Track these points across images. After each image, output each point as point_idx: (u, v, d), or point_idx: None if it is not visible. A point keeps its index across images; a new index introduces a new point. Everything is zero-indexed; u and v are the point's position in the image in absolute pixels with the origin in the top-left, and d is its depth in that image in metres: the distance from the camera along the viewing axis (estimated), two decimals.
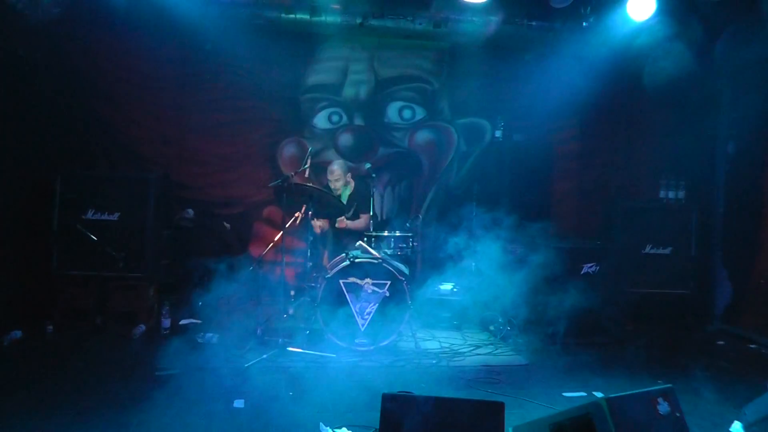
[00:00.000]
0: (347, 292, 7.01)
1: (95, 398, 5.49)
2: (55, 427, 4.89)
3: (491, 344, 7.56)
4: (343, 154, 9.44)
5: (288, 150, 9.52)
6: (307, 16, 8.35)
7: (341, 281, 7.00)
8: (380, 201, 9.48)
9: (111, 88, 8.86)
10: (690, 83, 8.63)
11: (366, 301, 7.02)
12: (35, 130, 7.85)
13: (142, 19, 7.93)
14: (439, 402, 4.04)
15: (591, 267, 7.80)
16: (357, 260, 7.06)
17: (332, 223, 8.14)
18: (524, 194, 9.16)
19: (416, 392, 4.15)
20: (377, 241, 7.50)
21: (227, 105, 9.25)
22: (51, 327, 7.54)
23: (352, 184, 8.18)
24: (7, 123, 7.25)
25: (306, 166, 7.61)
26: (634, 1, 7.64)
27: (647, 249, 8.75)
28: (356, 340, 6.97)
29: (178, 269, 8.55)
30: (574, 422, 3.90)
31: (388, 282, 7.03)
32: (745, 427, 4.76)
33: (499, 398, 4.63)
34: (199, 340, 7.29)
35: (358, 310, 7.01)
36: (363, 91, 9.67)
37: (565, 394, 5.87)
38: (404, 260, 7.59)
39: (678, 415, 4.01)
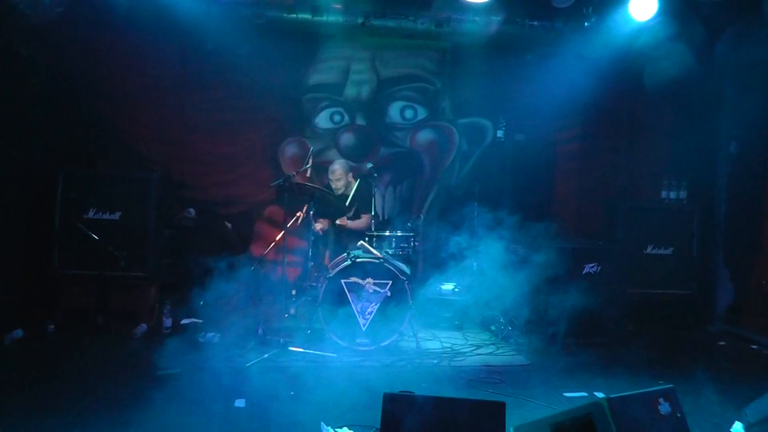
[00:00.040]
0: (348, 291, 7.01)
1: (96, 397, 5.50)
2: (56, 426, 4.89)
3: (492, 344, 7.57)
4: (344, 154, 9.43)
5: (289, 150, 9.51)
6: (308, 16, 8.33)
7: (342, 281, 7.00)
8: (382, 201, 9.47)
9: (112, 87, 8.85)
10: (692, 83, 8.62)
11: (367, 301, 7.02)
12: (37, 130, 7.85)
13: (144, 18, 7.91)
14: (440, 402, 4.04)
15: (592, 267, 7.80)
16: (358, 260, 7.07)
17: (333, 222, 8.14)
18: (526, 194, 9.15)
19: (417, 392, 4.13)
20: (379, 241, 7.50)
21: (228, 105, 9.24)
22: (52, 326, 7.56)
23: (354, 183, 8.18)
24: (8, 122, 7.25)
25: (307, 165, 7.60)
26: (636, 1, 7.63)
27: (649, 249, 8.76)
28: (357, 340, 6.98)
29: (179, 269, 8.55)
30: (575, 422, 3.90)
31: (390, 282, 7.04)
32: (746, 428, 4.75)
33: (500, 398, 4.63)
34: (200, 340, 7.30)
35: (359, 310, 7.01)
36: (365, 91, 9.65)
37: (566, 394, 5.88)
38: (405, 260, 7.59)
39: (679, 415, 4.01)
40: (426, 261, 8.93)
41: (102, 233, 7.61)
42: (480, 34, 8.73)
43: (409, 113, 9.77)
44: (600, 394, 5.70)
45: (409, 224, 8.28)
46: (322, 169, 8.72)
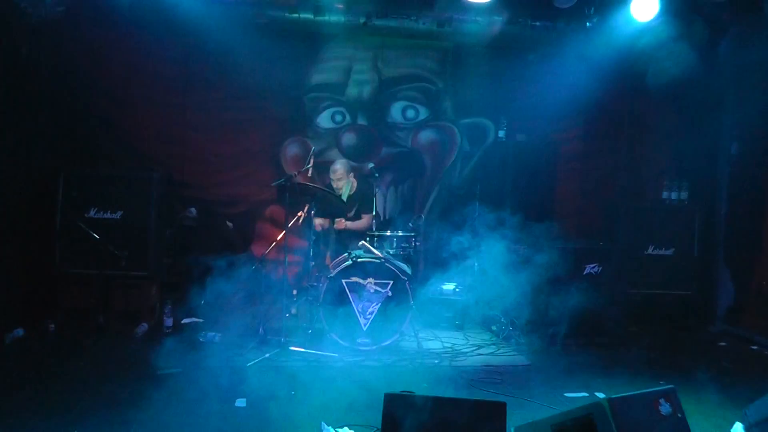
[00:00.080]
0: (349, 291, 7.01)
1: (96, 397, 5.50)
2: (56, 425, 4.89)
3: (493, 344, 7.57)
4: (346, 154, 9.42)
5: (291, 149, 9.51)
6: (310, 16, 8.34)
7: (344, 281, 7.01)
8: (383, 201, 9.47)
9: (114, 86, 8.85)
10: (693, 84, 8.63)
11: (368, 301, 7.02)
12: (38, 129, 7.86)
13: (146, 17, 7.92)
14: (440, 402, 4.04)
15: (594, 267, 7.80)
16: (359, 260, 7.07)
17: (333, 222, 8.14)
18: (527, 194, 9.15)
19: (418, 392, 4.14)
20: (380, 241, 7.50)
21: (230, 104, 9.23)
22: (53, 325, 7.56)
23: (355, 183, 8.18)
24: (9, 121, 7.26)
25: (309, 165, 7.60)
26: (638, 1, 7.63)
27: (650, 250, 8.76)
28: (358, 340, 6.98)
29: (180, 268, 8.55)
30: (576, 423, 3.90)
31: (391, 282, 7.04)
32: (747, 429, 4.75)
33: (501, 398, 4.63)
34: (201, 339, 7.30)
35: (360, 310, 7.02)
36: (366, 91, 9.65)
37: (567, 394, 5.88)
38: (407, 260, 7.59)
39: (680, 415, 4.00)
40: (427, 261, 8.93)
41: (103, 233, 7.61)
42: (482, 35, 8.74)
43: (410, 113, 9.77)
44: (601, 395, 5.71)
45: (410, 224, 8.29)
46: (323, 168, 8.73)
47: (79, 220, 7.58)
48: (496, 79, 9.64)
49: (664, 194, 9.11)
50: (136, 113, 8.94)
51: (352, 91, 9.62)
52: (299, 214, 7.44)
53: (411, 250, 7.60)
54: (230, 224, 9.26)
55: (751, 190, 8.68)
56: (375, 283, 7.02)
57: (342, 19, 8.44)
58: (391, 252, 7.46)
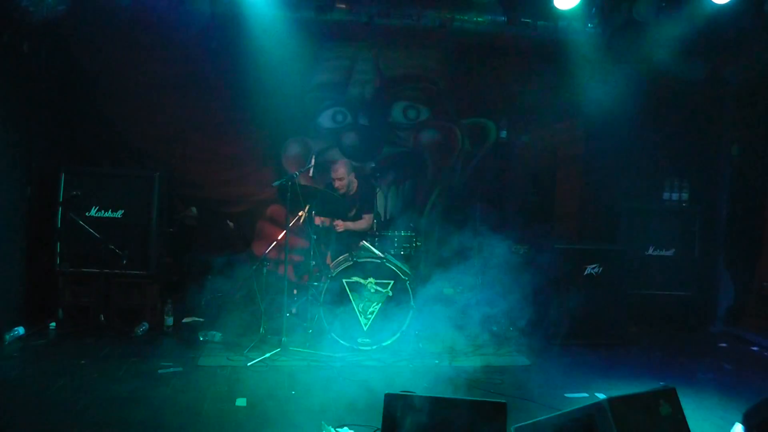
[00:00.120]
0: (350, 291, 7.02)
1: (97, 396, 5.50)
2: (56, 425, 4.90)
3: (494, 344, 7.56)
4: (347, 154, 9.40)
5: (292, 149, 9.51)
6: (312, 15, 8.33)
7: (344, 280, 7.02)
8: (384, 201, 9.45)
9: (115, 85, 8.86)
10: (695, 85, 8.62)
11: (369, 301, 7.03)
12: (39, 128, 7.87)
13: (147, 17, 7.93)
14: (441, 402, 4.04)
15: (594, 268, 7.80)
16: (360, 260, 7.07)
17: (333, 221, 8.14)
18: (528, 195, 9.15)
19: (418, 392, 4.14)
20: (381, 241, 7.50)
21: (231, 103, 9.24)
22: (54, 324, 7.57)
23: (356, 183, 8.17)
24: (11, 120, 7.27)
25: (310, 165, 7.60)
26: (640, 2, 7.62)
27: (650, 250, 8.77)
28: (359, 340, 6.99)
29: (181, 267, 8.58)
30: (577, 423, 3.90)
31: (392, 281, 7.05)
32: (747, 430, 4.75)
33: (502, 399, 4.63)
34: (202, 339, 7.31)
35: (360, 310, 7.02)
36: (368, 91, 9.63)
37: (567, 394, 5.88)
38: (407, 260, 7.59)
39: (680, 416, 4.00)
40: (428, 261, 8.91)
41: (104, 231, 7.62)
42: (483, 35, 8.74)
43: (412, 113, 9.76)
44: (601, 395, 5.69)
45: (411, 224, 8.27)
46: (324, 168, 8.71)
47: (80, 219, 7.58)
48: (497, 80, 9.63)
49: (665, 195, 9.11)
50: (137, 112, 8.95)
51: (353, 90, 9.61)
52: (300, 213, 7.43)
53: (412, 250, 7.60)
54: (231, 223, 9.26)
55: (751, 191, 8.69)
56: (376, 283, 7.03)
57: (344, 18, 8.42)
58: (392, 252, 7.46)
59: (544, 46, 8.88)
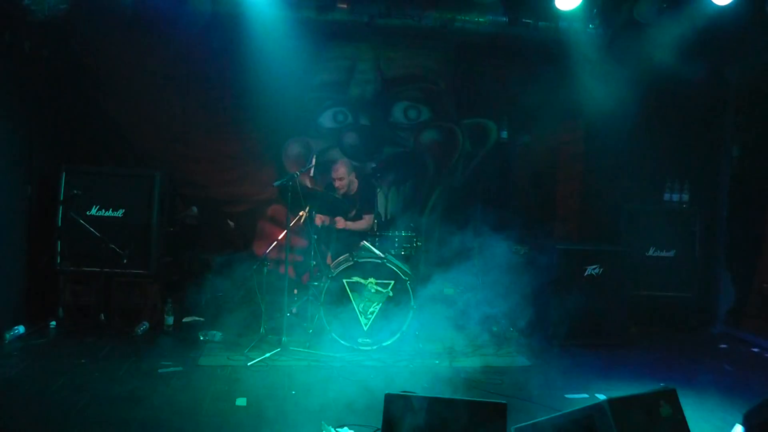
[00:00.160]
0: (351, 291, 7.03)
1: (97, 395, 5.50)
2: (56, 424, 4.90)
3: (494, 345, 7.56)
4: (348, 154, 9.40)
5: (293, 149, 9.50)
6: (313, 15, 8.33)
7: (345, 280, 7.02)
8: (384, 201, 9.44)
9: (117, 84, 8.86)
10: (696, 86, 8.62)
11: (369, 301, 7.03)
12: (40, 126, 7.87)
13: (148, 16, 7.93)
14: (441, 402, 4.04)
15: (594, 269, 7.80)
16: (361, 260, 7.08)
17: (332, 221, 8.14)
18: (528, 195, 9.14)
19: (419, 392, 4.14)
20: (381, 241, 7.50)
21: (232, 102, 9.24)
22: (54, 323, 7.58)
23: (356, 183, 8.17)
24: (12, 119, 7.27)
25: (311, 165, 7.61)
26: (641, 3, 7.62)
27: (651, 252, 8.76)
28: (359, 340, 6.99)
29: (181, 267, 8.58)
30: (577, 424, 3.90)
31: (392, 282, 7.05)
32: (747, 431, 4.75)
33: (502, 399, 4.63)
34: (202, 338, 7.31)
35: (361, 310, 7.03)
36: (369, 91, 9.63)
37: (567, 395, 5.88)
38: (408, 260, 7.59)
39: (680, 417, 4.00)
40: (428, 261, 8.90)
41: (105, 230, 7.61)
42: (484, 35, 8.74)
43: (412, 113, 9.75)
44: (601, 396, 5.69)
45: (411, 224, 8.27)
46: (325, 168, 8.71)
47: (81, 218, 7.58)
48: (498, 80, 9.63)
49: (666, 196, 9.11)
50: (138, 111, 8.95)
51: (354, 90, 9.60)
52: (301, 213, 7.43)
53: (412, 250, 7.60)
54: (232, 223, 9.26)
55: (752, 192, 8.69)
56: (376, 283, 7.03)
57: (345, 18, 8.41)
58: (393, 252, 7.46)
59: (546, 47, 8.86)
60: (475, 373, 6.50)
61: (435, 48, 9.66)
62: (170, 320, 7.80)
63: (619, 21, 8.08)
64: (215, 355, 6.83)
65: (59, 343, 7.12)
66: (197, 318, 8.05)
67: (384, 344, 7.00)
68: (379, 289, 7.02)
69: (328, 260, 7.97)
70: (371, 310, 7.04)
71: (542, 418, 4.28)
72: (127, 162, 8.84)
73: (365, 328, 7.01)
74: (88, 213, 7.71)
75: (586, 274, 7.76)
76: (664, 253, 8.77)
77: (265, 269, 7.50)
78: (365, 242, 7.45)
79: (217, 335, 7.36)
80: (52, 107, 8.17)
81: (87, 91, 8.71)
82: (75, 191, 7.58)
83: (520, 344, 7.60)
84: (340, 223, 7.92)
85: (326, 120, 9.59)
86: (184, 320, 8.01)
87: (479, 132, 9.92)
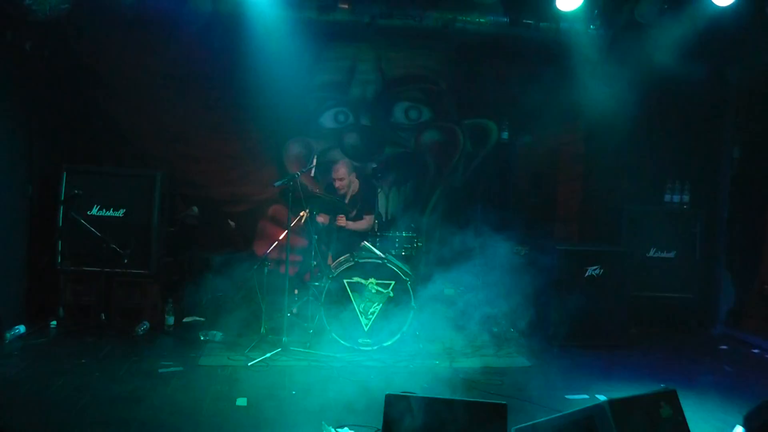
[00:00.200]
0: (351, 291, 7.02)
1: (97, 395, 5.50)
2: (57, 424, 4.90)
3: (494, 346, 7.56)
4: (348, 154, 9.38)
5: (294, 149, 9.50)
6: (314, 15, 8.33)
7: (345, 281, 7.02)
8: (385, 201, 9.45)
9: (118, 84, 8.86)
10: (696, 87, 8.62)
11: (370, 301, 7.03)
12: (41, 126, 7.88)
13: (149, 16, 7.93)
14: (441, 403, 4.04)
15: (595, 270, 7.79)
16: (361, 260, 7.08)
17: (332, 221, 8.14)
18: (529, 196, 9.13)
19: (419, 393, 4.15)
20: (382, 241, 7.50)
21: (233, 103, 9.23)
22: (55, 323, 7.58)
23: (357, 183, 8.17)
24: (13, 118, 7.27)
25: (312, 165, 7.61)
26: (642, 4, 7.62)
27: (651, 252, 8.76)
28: (359, 340, 6.99)
29: (182, 266, 8.57)
30: (577, 425, 3.90)
31: (393, 282, 7.05)
32: None
33: (502, 400, 4.63)
34: (202, 338, 7.32)
35: (361, 310, 7.02)
36: (370, 91, 9.62)
37: (567, 396, 5.88)
38: (408, 260, 7.60)
39: (680, 418, 4.00)
40: (429, 261, 8.90)
41: (105, 230, 7.61)
42: (485, 36, 8.74)
43: (413, 114, 9.74)
44: (602, 397, 5.69)
45: (412, 225, 8.28)
46: (326, 168, 8.71)
47: (82, 218, 7.58)
48: (499, 81, 9.62)
49: (666, 197, 9.10)
50: (139, 111, 8.95)
51: (355, 90, 9.60)
52: (301, 213, 7.44)
53: (413, 250, 7.60)
54: (232, 223, 9.26)
55: (752, 194, 8.69)
56: (377, 284, 7.03)
57: (346, 18, 8.41)
58: (393, 252, 7.47)
59: (546, 48, 8.86)
60: (475, 374, 6.50)
61: (436, 48, 9.65)
62: (171, 320, 7.79)
63: (620, 22, 8.08)
64: (215, 355, 6.83)
65: (60, 342, 7.12)
66: (198, 318, 8.05)
67: (384, 344, 7.00)
68: (380, 289, 7.02)
69: (329, 260, 7.97)
70: (372, 310, 7.03)
71: (542, 419, 4.28)
72: (128, 162, 8.84)
73: (366, 329, 7.01)
74: (88, 213, 7.71)
75: (586, 274, 7.76)
76: (664, 254, 8.77)
77: (266, 269, 7.51)
78: (366, 242, 7.45)
79: (218, 335, 7.36)
80: (53, 107, 8.17)
81: (88, 91, 8.71)
82: (75, 191, 7.58)
83: (520, 345, 7.60)
84: (341, 222, 7.92)
85: (327, 120, 9.59)
86: (184, 320, 8.01)
87: (480, 132, 9.92)
